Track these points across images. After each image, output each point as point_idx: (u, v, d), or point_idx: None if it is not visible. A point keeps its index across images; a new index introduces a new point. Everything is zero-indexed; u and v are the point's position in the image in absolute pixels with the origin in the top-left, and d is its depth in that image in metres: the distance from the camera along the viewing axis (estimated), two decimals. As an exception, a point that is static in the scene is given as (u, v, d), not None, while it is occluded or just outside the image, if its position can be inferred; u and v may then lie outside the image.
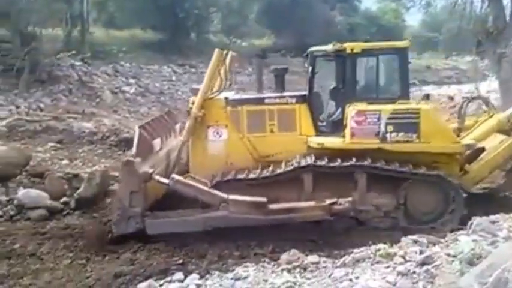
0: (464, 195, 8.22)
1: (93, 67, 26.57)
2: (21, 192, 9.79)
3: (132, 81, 26.86)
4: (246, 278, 5.51)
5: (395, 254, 5.55)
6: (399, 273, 5.04)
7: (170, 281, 6.23)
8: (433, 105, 8.71)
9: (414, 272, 5.01)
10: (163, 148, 9.12)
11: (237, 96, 9.29)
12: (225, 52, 9.08)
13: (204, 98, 8.71)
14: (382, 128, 8.27)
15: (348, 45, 8.61)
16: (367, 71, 8.92)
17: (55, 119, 18.06)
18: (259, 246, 8.13)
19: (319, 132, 8.88)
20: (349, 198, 8.01)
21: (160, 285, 6.10)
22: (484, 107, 9.54)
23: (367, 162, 8.24)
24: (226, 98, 8.99)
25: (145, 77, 27.86)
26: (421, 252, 5.42)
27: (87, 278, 7.21)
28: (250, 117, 8.89)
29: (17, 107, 20.12)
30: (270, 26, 41.43)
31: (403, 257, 5.43)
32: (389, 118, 8.26)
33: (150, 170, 8.08)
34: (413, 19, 49.75)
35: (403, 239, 6.06)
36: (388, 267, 5.30)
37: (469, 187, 8.67)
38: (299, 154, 8.66)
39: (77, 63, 25.68)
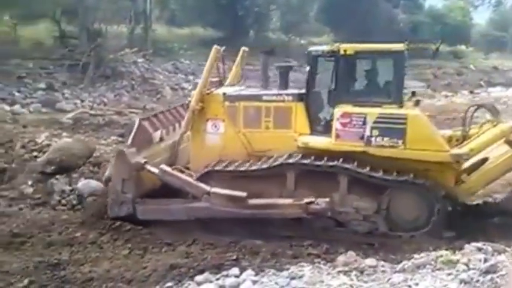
0: (449, 206, 8.05)
1: (154, 64, 27.29)
2: (82, 182, 10.16)
3: (191, 78, 27.36)
4: (301, 277, 5.46)
5: (457, 261, 5.33)
6: (461, 281, 4.84)
7: (226, 276, 6.27)
8: (422, 111, 8.36)
9: (478, 281, 4.80)
10: (165, 139, 9.33)
11: (235, 92, 9.32)
12: (222, 49, 9.29)
13: (202, 92, 8.96)
14: (367, 132, 8.13)
15: (342, 47, 8.47)
16: (360, 73, 8.69)
17: (118, 114, 18.71)
18: (313, 247, 8.06)
19: (314, 131, 8.78)
20: (327, 199, 8.04)
21: (217, 279, 6.14)
22: (487, 115, 8.97)
23: (348, 165, 8.15)
24: (224, 93, 9.15)
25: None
26: (485, 261, 5.18)
27: (144, 268, 7.36)
28: (247, 113, 8.96)
29: (82, 101, 21.00)
30: (330, 24, 40.96)
31: (466, 264, 5.21)
32: (375, 122, 8.11)
33: (143, 160, 8.47)
34: (481, 17, 47.81)
35: (467, 246, 5.82)
36: (449, 274, 5.10)
37: (463, 198, 8.46)
38: (289, 152, 8.63)
39: (139, 60, 26.48)
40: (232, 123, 9.00)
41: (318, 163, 8.23)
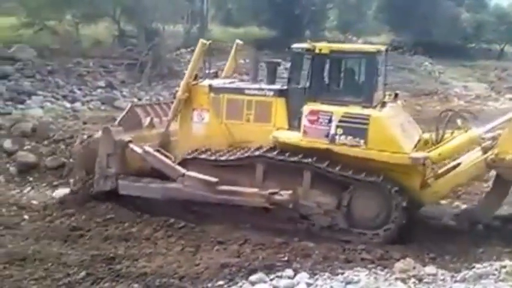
0: (404, 205, 8.04)
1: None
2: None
3: (245, 77, 27.44)
4: (357, 282, 5.32)
5: (523, 272, 5.00)
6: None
7: (280, 277, 6.21)
8: (386, 113, 8.35)
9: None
10: (158, 128, 9.94)
11: (220, 84, 9.65)
12: (208, 42, 9.70)
13: (188, 83, 9.45)
14: (332, 130, 8.29)
15: (317, 45, 8.63)
16: (334, 72, 8.84)
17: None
18: (367, 252, 7.91)
19: (292, 126, 8.88)
20: (290, 191, 8.32)
21: (271, 280, 6.09)
22: (458, 121, 8.86)
23: (307, 160, 8.34)
24: (210, 85, 9.53)
25: (259, 74, 28.24)
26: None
27: (196, 265, 7.43)
28: (230, 104, 9.30)
29: (139, 99, 21.51)
30: (389, 23, 39.97)
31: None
32: (340, 121, 8.26)
33: (127, 139, 9.17)
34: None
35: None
36: (514, 286, 4.79)
37: (429, 201, 8.55)
38: (267, 145, 8.87)
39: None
40: (216, 114, 9.39)
41: (281, 157, 8.48)
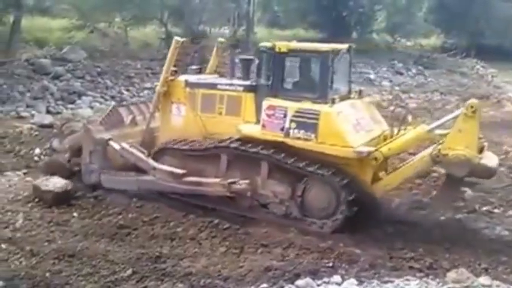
0: (350, 197, 8.39)
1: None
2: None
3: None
4: (408, 291, 5.12)
5: None
6: None
7: (328, 283, 6.11)
8: (336, 109, 8.65)
9: None
10: (139, 123, 10.66)
11: (195, 80, 10.21)
12: (181, 40, 10.39)
13: (165, 77, 10.11)
14: (287, 124, 8.73)
15: (277, 44, 9.10)
16: (292, 70, 9.30)
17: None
18: (415, 260, 7.75)
19: (259, 120, 9.20)
20: (247, 181, 8.83)
21: (318, 286, 5.99)
22: (409, 117, 9.33)
23: (264, 152, 8.79)
24: (186, 80, 10.13)
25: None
26: None
27: (240, 267, 7.42)
28: (204, 99, 9.85)
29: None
30: (440, 25, 38.96)
31: None
32: (294, 116, 8.68)
33: (107, 137, 9.90)
34: None
35: None
36: None
37: (379, 194, 8.86)
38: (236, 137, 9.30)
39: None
40: (191, 108, 9.98)
41: (240, 148, 8.98)
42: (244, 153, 8.95)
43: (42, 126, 15.34)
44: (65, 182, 9.52)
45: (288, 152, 8.75)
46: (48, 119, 16.25)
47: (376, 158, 8.46)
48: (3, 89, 19.51)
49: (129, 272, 7.17)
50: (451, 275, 5.81)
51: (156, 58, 24.66)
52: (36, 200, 9.36)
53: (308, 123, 8.57)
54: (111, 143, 9.89)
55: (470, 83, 28.60)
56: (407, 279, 5.66)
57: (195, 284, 6.97)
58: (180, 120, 10.13)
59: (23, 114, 17.76)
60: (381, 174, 8.82)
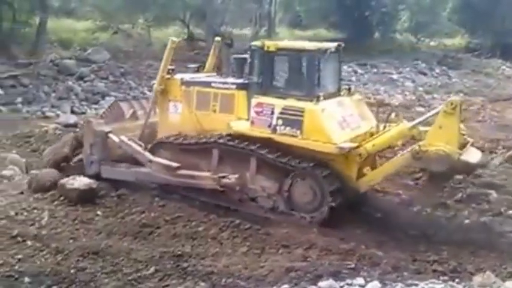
0: (331, 190, 8.63)
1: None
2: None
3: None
4: (432, 294, 5.06)
5: None
6: None
7: (351, 284, 6.08)
8: (321, 106, 8.82)
9: None
10: (139, 118, 11.01)
11: (191, 78, 10.51)
12: (177, 40, 10.93)
13: (162, 76, 10.47)
14: (274, 121, 8.98)
15: (266, 43, 9.39)
16: (281, 68, 9.52)
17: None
18: (439, 263, 7.66)
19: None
20: (237, 175, 9.12)
21: (341, 287, 5.97)
22: (393, 115, 9.59)
23: (252, 148, 9.07)
24: (182, 79, 10.45)
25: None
26: None
27: (261, 267, 7.42)
28: (199, 96, 10.14)
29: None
30: (465, 25, 38.25)
31: None
32: (281, 113, 8.93)
33: (107, 130, 10.24)
34: None
35: None
36: None
37: (363, 188, 9.05)
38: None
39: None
40: (187, 105, 10.29)
41: (230, 144, 9.28)
42: (232, 149, 9.29)
43: (67, 126, 15.66)
44: (90, 181, 9.66)
45: (275, 147, 9.02)
46: (72, 119, 16.57)
47: (360, 154, 8.70)
48: (30, 90, 19.96)
49: (152, 270, 7.26)
50: (477, 278, 5.72)
51: (179, 59, 24.83)
52: (62, 198, 9.51)
53: (294, 120, 8.82)
54: (111, 135, 10.25)
55: (495, 84, 28.06)
56: (433, 282, 5.57)
57: (216, 283, 7.02)
58: (177, 117, 10.46)
59: (48, 114, 18.16)
60: (366, 170, 8.99)
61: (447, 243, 8.34)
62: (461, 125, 9.05)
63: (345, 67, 30.29)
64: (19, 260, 7.37)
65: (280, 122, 8.93)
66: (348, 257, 7.75)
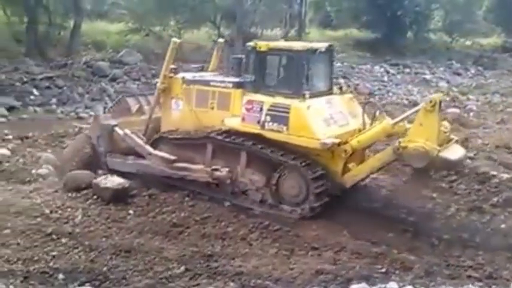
0: (315, 185, 8.96)
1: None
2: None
3: (341, 80, 26.97)
4: (470, 302, 4.94)
5: None
6: None
7: (384, 288, 5.99)
8: (307, 104, 9.13)
9: None
10: (145, 113, 11.43)
11: (191, 77, 10.93)
12: (178, 42, 11.31)
13: (164, 75, 10.93)
14: (263, 117, 9.37)
15: (258, 43, 9.84)
16: (272, 67, 9.85)
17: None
18: (474, 269, 7.55)
19: None
20: (228, 168, 9.57)
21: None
22: (377, 112, 9.74)
23: (242, 142, 9.48)
24: (183, 77, 10.89)
25: (356, 77, 27.73)
26: None
27: (291, 269, 7.41)
28: (198, 94, 10.59)
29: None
30: (500, 24, 37.32)
31: None
32: (269, 109, 9.32)
33: (113, 123, 10.78)
34: None
35: None
36: None
37: (348, 184, 9.31)
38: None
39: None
40: (187, 102, 10.75)
41: (221, 139, 9.73)
42: (224, 144, 9.75)
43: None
44: (123, 181, 9.82)
45: (264, 143, 9.39)
46: (105, 120, 16.78)
47: (345, 150, 9.08)
48: (64, 91, 20.41)
49: (182, 269, 7.33)
50: (514, 285, 5.54)
51: (209, 60, 25.00)
52: (95, 197, 9.69)
53: (280, 117, 9.21)
54: (116, 129, 10.76)
55: (533, 84, 27.28)
56: (469, 288, 5.45)
57: (245, 283, 7.04)
58: (178, 114, 10.92)
59: (82, 114, 18.50)
60: (351, 165, 9.35)
61: (482, 248, 8.17)
62: (446, 123, 9.41)
63: (376, 67, 30.02)
64: (54, 257, 7.54)
65: (268, 118, 9.32)
66: (379, 260, 7.69)
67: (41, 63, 21.92)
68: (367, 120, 9.55)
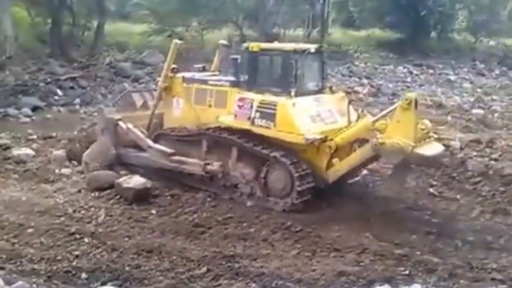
0: (297, 179, 9.27)
1: (328, 67, 27.27)
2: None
3: (365, 81, 26.77)
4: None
5: None
6: None
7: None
8: (293, 101, 9.48)
9: None
10: (150, 108, 11.84)
11: (191, 76, 11.37)
12: (180, 43, 11.90)
13: (166, 74, 11.41)
14: (253, 114, 9.75)
15: (251, 44, 10.34)
16: (264, 67, 10.28)
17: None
18: (498, 271, 7.40)
19: None
20: (219, 163, 10.08)
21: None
22: (360, 109, 10.16)
23: (232, 138, 9.94)
24: (183, 77, 11.36)
25: (379, 78, 27.48)
26: None
27: (313, 271, 7.37)
28: (197, 93, 11.03)
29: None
30: (526, 23, 36.59)
31: None
32: (258, 106, 9.72)
33: (117, 117, 11.30)
34: None
35: None
36: None
37: (330, 178, 9.59)
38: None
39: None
40: (187, 101, 11.21)
41: (214, 134, 10.22)
42: (217, 139, 10.23)
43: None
44: (145, 181, 9.91)
45: (254, 138, 9.81)
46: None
47: (330, 146, 9.44)
48: (87, 91, 20.72)
49: (204, 269, 7.34)
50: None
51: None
52: (118, 197, 9.79)
53: (268, 113, 9.60)
54: (120, 123, 11.24)
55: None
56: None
57: (267, 284, 7.02)
58: (179, 112, 11.41)
59: (105, 114, 18.67)
60: (334, 161, 9.56)
61: (506, 250, 8.05)
62: (427, 122, 9.55)
63: (399, 68, 29.72)
64: (76, 256, 7.63)
65: (257, 115, 9.71)
66: (402, 262, 7.61)
67: (65, 63, 22.29)
68: (353, 118, 9.75)
